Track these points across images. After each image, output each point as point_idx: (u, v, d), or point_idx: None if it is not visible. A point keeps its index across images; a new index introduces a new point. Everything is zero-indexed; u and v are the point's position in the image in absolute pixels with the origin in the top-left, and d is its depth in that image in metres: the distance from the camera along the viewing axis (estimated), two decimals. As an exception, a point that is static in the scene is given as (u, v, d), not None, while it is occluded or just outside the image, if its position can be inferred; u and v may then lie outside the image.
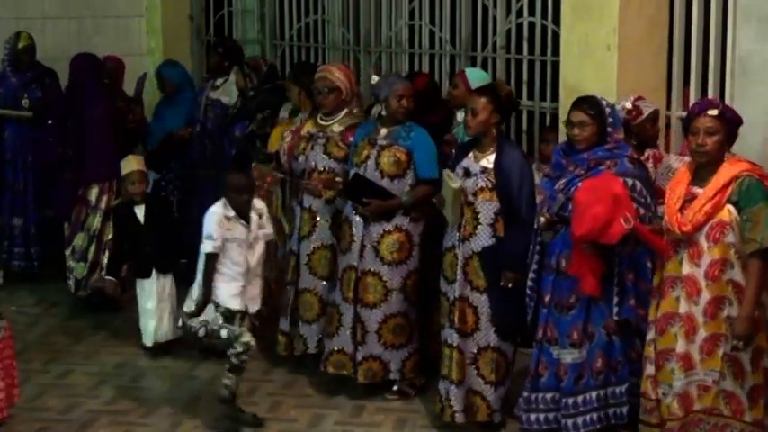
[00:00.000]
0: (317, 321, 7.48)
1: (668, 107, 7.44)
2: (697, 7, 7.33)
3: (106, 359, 8.06)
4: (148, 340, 8.13)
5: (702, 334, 5.74)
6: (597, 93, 6.79)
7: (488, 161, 6.66)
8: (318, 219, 7.44)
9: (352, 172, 7.22)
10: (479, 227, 6.63)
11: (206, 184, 9.22)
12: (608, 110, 6.26)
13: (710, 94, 7.27)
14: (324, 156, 7.41)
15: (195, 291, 6.84)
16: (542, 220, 6.30)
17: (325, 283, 7.47)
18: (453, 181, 6.60)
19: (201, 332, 6.83)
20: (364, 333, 7.14)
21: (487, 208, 6.63)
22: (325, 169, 7.41)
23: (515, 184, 6.56)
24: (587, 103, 6.27)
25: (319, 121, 7.53)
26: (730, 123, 5.80)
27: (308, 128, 7.57)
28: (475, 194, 6.63)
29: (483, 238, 6.63)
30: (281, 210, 7.98)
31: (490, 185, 6.61)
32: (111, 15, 10.75)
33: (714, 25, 7.25)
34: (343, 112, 7.47)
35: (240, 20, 10.81)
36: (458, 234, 6.68)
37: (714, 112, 5.80)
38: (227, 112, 9.15)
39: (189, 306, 6.86)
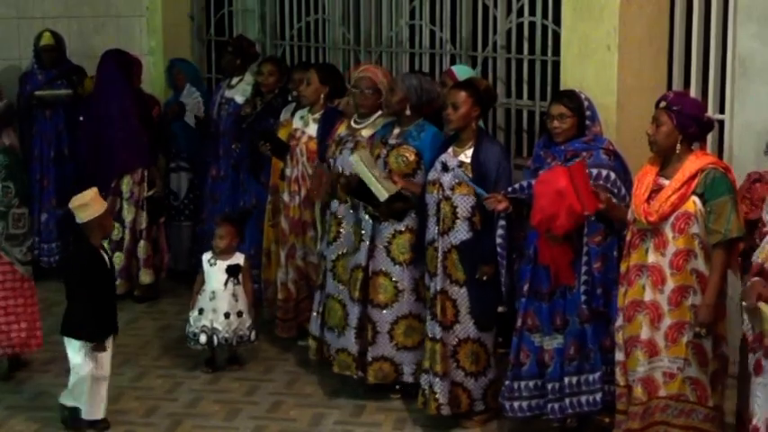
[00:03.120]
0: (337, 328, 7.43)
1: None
2: (698, 7, 7.34)
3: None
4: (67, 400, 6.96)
5: (667, 322, 5.88)
6: (597, 93, 6.83)
7: (466, 156, 6.71)
8: (344, 225, 7.39)
9: None
10: (457, 221, 6.69)
11: (217, 185, 9.24)
12: (586, 103, 6.42)
13: (711, 94, 7.29)
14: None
15: None
16: (499, 207, 6.45)
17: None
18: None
19: None
20: (375, 333, 7.10)
21: (465, 202, 6.68)
22: (350, 174, 7.30)
23: (492, 178, 6.62)
24: (567, 97, 6.46)
25: (353, 124, 7.47)
26: (679, 116, 5.86)
27: (341, 130, 7.53)
28: (452, 189, 6.69)
29: (461, 233, 6.69)
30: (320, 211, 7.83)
31: (467, 180, 6.65)
32: (111, 15, 10.74)
33: (715, 25, 7.27)
34: (375, 116, 7.40)
35: (241, 19, 10.80)
36: (437, 228, 6.72)
37: (662, 104, 5.94)
38: (239, 110, 9.16)
39: None
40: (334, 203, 7.43)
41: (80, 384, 6.80)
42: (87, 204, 6.77)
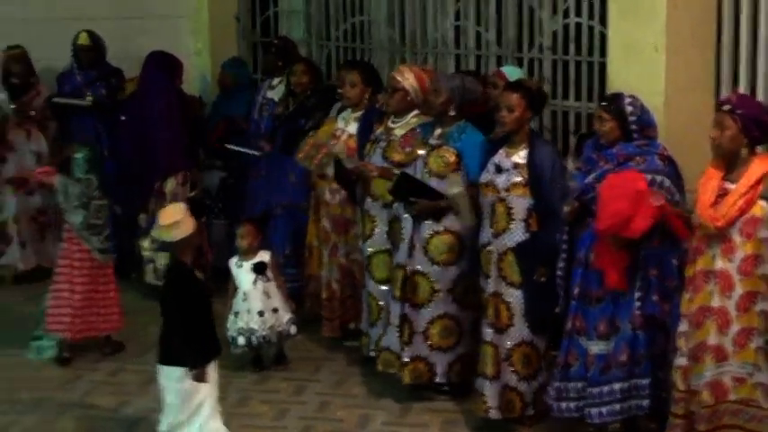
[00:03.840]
0: (375, 325, 7.49)
1: (717, 107, 7.41)
2: (746, 5, 7.30)
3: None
4: None
5: (735, 327, 5.81)
6: (645, 93, 6.77)
7: (520, 157, 6.70)
8: (377, 222, 7.44)
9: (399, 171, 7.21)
10: (513, 222, 6.68)
11: (259, 184, 9.25)
12: (630, 108, 6.33)
13: (760, 93, 7.24)
14: (382, 160, 7.37)
15: None
16: (566, 209, 6.39)
17: (383, 287, 7.43)
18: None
19: None
20: (411, 333, 7.10)
21: (520, 203, 6.67)
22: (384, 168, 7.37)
23: (548, 179, 6.62)
24: (607, 101, 6.45)
25: (389, 123, 7.51)
26: (744, 119, 5.79)
27: (380, 129, 7.57)
28: (507, 190, 6.68)
29: (517, 234, 6.68)
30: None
31: (523, 181, 6.65)
32: (157, 16, 10.78)
33: (764, 22, 7.22)
34: (410, 115, 7.43)
35: (286, 20, 10.83)
36: (491, 231, 6.72)
37: (726, 107, 5.85)
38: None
39: None
40: (368, 201, 7.49)
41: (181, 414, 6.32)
42: (179, 222, 6.16)
